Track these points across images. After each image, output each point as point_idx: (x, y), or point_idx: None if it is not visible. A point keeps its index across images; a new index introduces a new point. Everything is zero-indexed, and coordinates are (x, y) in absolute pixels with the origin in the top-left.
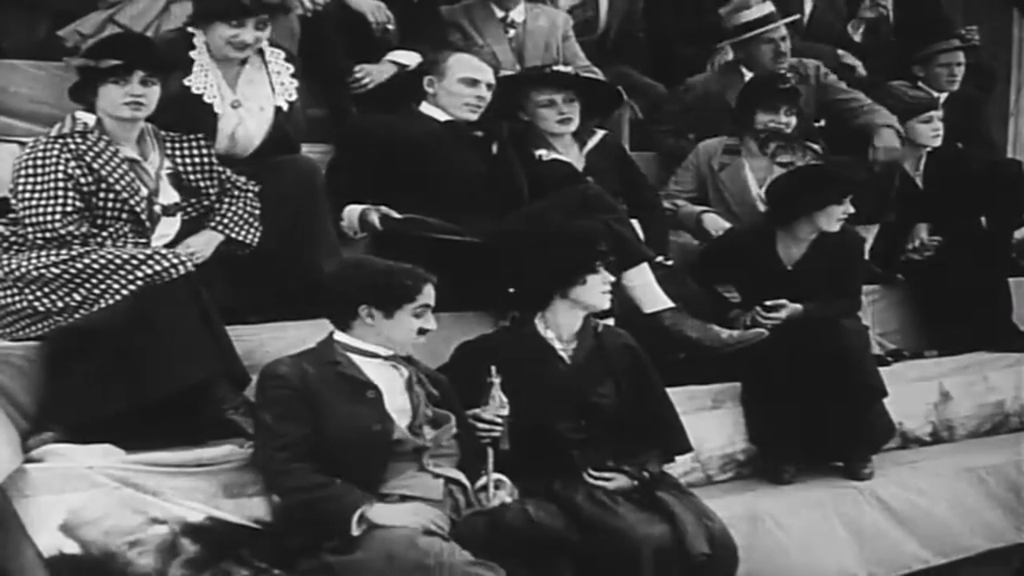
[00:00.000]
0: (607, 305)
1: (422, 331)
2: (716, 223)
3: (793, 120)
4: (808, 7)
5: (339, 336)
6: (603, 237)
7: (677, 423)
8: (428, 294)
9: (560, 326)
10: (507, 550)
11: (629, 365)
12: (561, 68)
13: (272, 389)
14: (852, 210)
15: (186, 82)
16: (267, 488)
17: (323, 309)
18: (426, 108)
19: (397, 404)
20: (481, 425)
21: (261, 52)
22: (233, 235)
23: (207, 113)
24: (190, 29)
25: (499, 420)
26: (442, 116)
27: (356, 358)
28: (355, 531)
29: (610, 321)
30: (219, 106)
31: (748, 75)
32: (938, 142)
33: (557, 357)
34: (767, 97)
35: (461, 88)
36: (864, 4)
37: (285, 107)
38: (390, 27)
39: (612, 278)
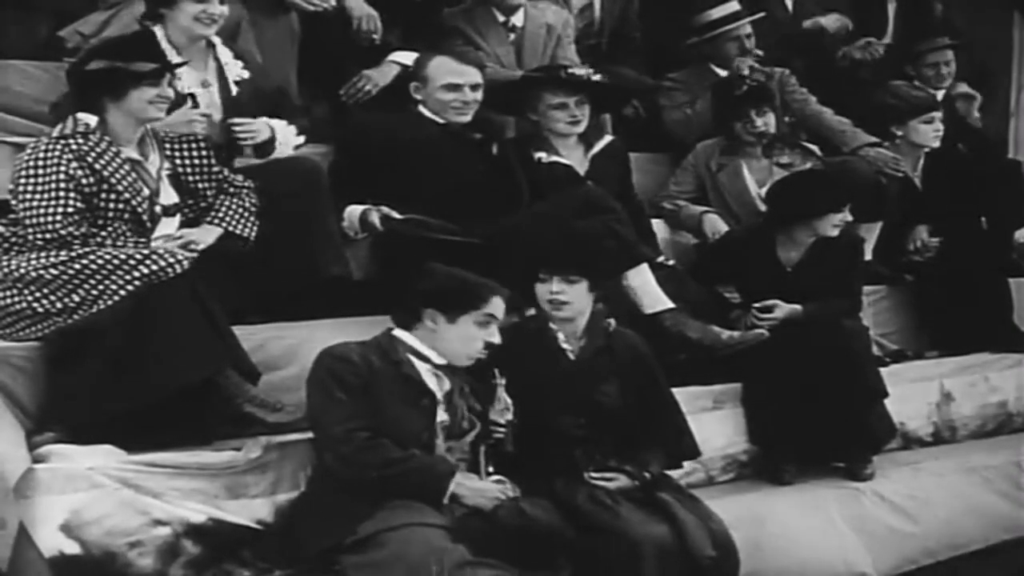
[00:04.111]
0: (554, 315)
1: (488, 345)
2: (714, 226)
3: (771, 119)
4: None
5: (400, 334)
6: (551, 248)
7: (684, 427)
8: (495, 305)
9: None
10: (503, 548)
11: (636, 367)
12: (576, 71)
13: (344, 373)
14: (850, 218)
15: None
16: (340, 464)
17: (388, 306)
18: (424, 110)
19: (439, 416)
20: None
21: (212, 44)
22: (231, 228)
23: (180, 101)
24: (147, 23)
25: (503, 423)
26: (435, 117)
27: (414, 360)
28: (447, 499)
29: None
30: (191, 88)
31: (719, 72)
32: (938, 143)
33: (563, 354)
34: (733, 105)
35: (444, 94)
36: (857, 44)
37: (234, 89)
38: (375, 37)
39: (556, 289)
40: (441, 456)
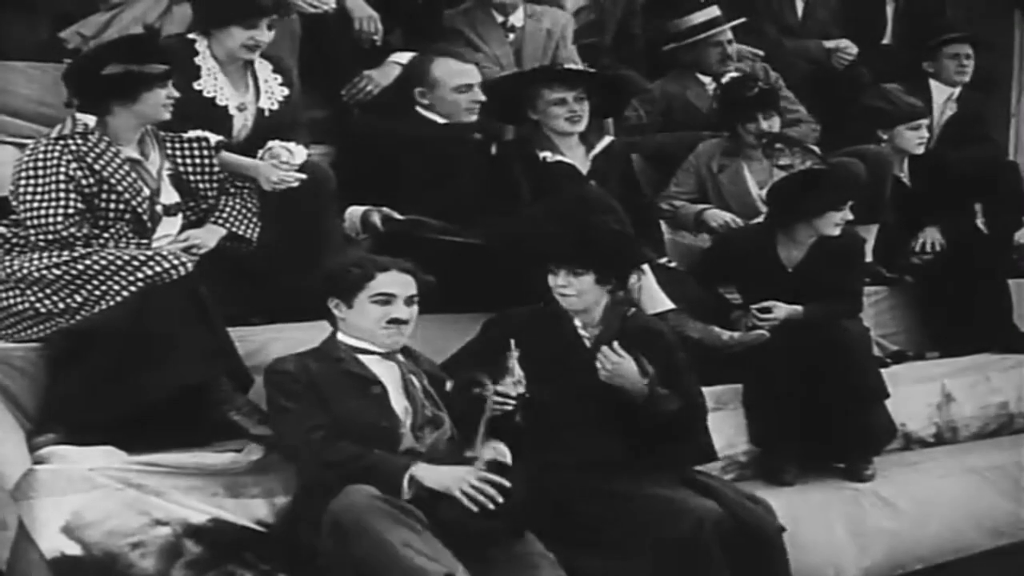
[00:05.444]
0: (567, 306)
1: (393, 321)
2: (716, 217)
3: (776, 121)
4: (800, 7)
5: (339, 335)
6: (556, 242)
7: (700, 428)
8: (385, 282)
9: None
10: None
11: (656, 359)
12: (573, 66)
13: (284, 383)
14: (851, 216)
15: (196, 86)
16: (303, 469)
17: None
18: (424, 111)
19: (400, 403)
20: (496, 398)
21: (250, 61)
22: (234, 229)
23: (223, 116)
24: (191, 35)
25: (514, 395)
26: (440, 119)
27: (359, 355)
28: (407, 493)
29: None
30: (231, 108)
31: (701, 77)
32: (921, 150)
33: (580, 340)
34: (742, 107)
35: (456, 95)
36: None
37: (267, 112)
38: (376, 39)
39: (561, 282)
40: (399, 455)
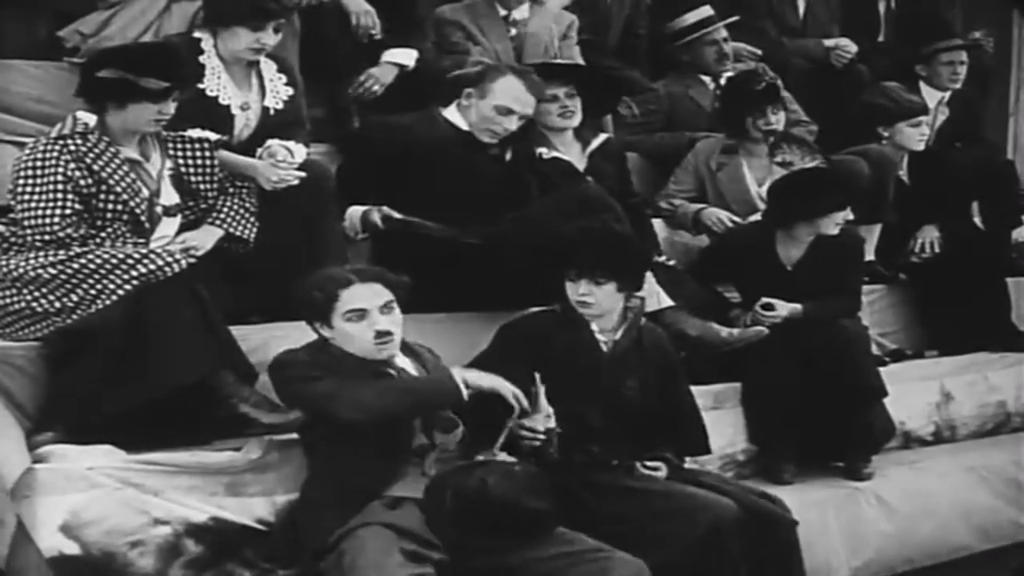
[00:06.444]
0: (585, 313)
1: (379, 334)
2: (712, 216)
3: (782, 116)
4: (801, 7)
5: (334, 344)
6: (580, 250)
7: (699, 425)
8: (351, 297)
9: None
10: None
11: (661, 363)
12: (562, 61)
13: (299, 369)
14: (851, 216)
15: (199, 85)
16: (361, 417)
17: None
18: (451, 113)
19: None
20: (525, 433)
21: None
22: (231, 230)
23: (225, 115)
24: (196, 33)
25: (542, 430)
26: (464, 125)
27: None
28: (466, 394)
29: None
30: (234, 108)
31: (702, 77)
32: (922, 147)
33: (596, 343)
34: (750, 101)
35: (494, 114)
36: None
37: (272, 111)
38: (374, 33)
39: (583, 291)
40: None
